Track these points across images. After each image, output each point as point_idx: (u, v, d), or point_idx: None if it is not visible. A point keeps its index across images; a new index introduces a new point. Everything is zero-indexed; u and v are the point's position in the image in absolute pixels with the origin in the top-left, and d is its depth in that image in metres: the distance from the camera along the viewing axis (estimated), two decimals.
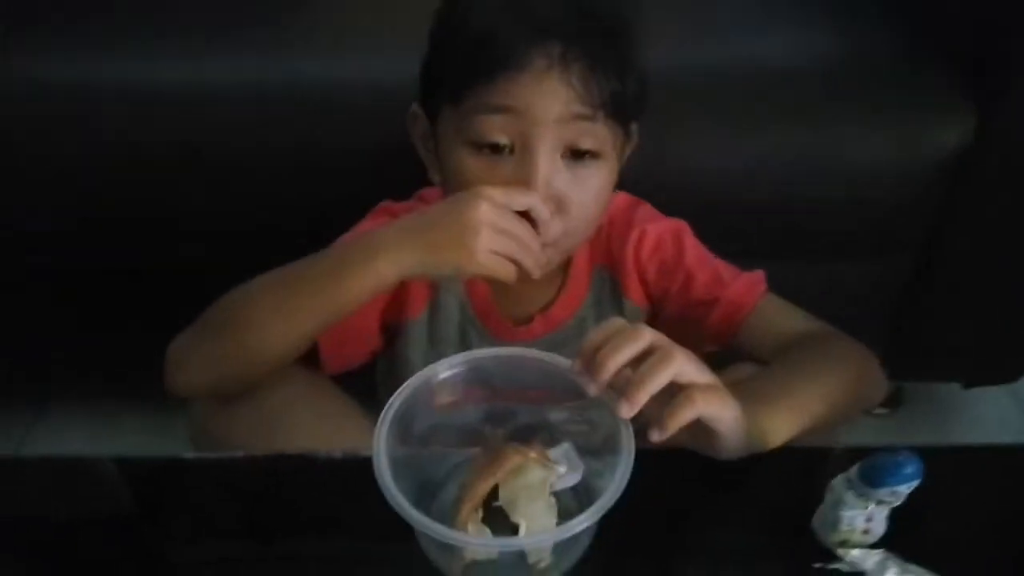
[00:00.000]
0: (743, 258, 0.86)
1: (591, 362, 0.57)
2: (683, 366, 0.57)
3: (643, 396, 0.56)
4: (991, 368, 1.27)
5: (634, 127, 0.78)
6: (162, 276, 1.11)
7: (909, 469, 0.57)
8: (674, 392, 0.58)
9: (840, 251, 1.13)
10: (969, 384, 1.30)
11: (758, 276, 0.82)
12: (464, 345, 0.84)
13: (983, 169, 1.04)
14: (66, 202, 1.06)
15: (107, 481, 0.68)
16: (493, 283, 0.80)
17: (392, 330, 0.86)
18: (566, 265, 0.84)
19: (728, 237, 0.87)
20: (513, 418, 0.66)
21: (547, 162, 0.69)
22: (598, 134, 0.71)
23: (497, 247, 0.68)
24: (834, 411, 0.71)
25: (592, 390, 0.57)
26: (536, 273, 0.71)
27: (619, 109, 0.71)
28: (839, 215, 1.07)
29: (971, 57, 1.04)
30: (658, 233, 0.84)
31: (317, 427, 0.75)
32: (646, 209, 0.87)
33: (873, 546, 0.60)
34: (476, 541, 0.55)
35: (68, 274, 1.13)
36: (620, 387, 0.57)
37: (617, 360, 0.56)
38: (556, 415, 0.64)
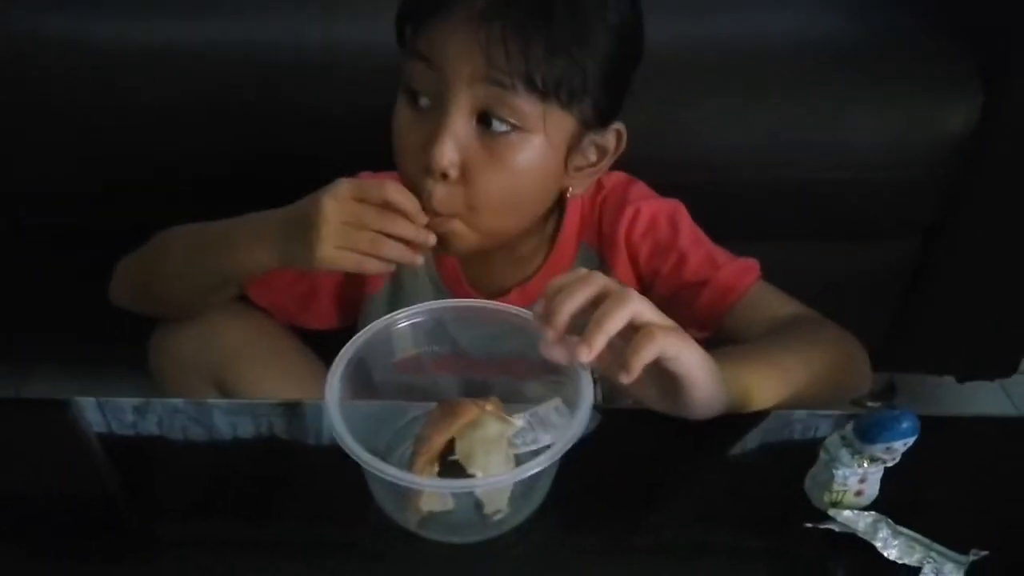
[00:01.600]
0: (743, 239, 0.82)
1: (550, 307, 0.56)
2: (639, 306, 0.55)
3: (601, 338, 0.54)
4: (986, 362, 1.24)
5: (618, 127, 0.73)
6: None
7: (905, 424, 0.55)
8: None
9: (843, 235, 1.10)
10: (963, 378, 1.28)
11: (752, 263, 0.79)
12: None
13: (988, 152, 1.01)
14: (62, 160, 1.03)
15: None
16: (465, 255, 0.78)
17: (357, 303, 0.85)
18: (552, 239, 0.81)
19: (730, 216, 0.83)
20: (488, 391, 0.63)
21: (456, 123, 0.65)
22: (516, 107, 0.65)
23: (343, 243, 0.65)
24: (817, 385, 0.68)
25: (550, 336, 0.55)
26: (418, 260, 0.67)
27: (545, 87, 0.65)
28: (843, 196, 1.03)
29: (980, 37, 1.02)
30: (653, 212, 0.80)
31: (258, 347, 0.81)
32: (641, 188, 0.83)
33: (865, 510, 0.57)
34: (425, 483, 0.52)
35: (58, 233, 1.11)
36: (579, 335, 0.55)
37: (571, 303, 0.55)
38: (532, 388, 0.62)
